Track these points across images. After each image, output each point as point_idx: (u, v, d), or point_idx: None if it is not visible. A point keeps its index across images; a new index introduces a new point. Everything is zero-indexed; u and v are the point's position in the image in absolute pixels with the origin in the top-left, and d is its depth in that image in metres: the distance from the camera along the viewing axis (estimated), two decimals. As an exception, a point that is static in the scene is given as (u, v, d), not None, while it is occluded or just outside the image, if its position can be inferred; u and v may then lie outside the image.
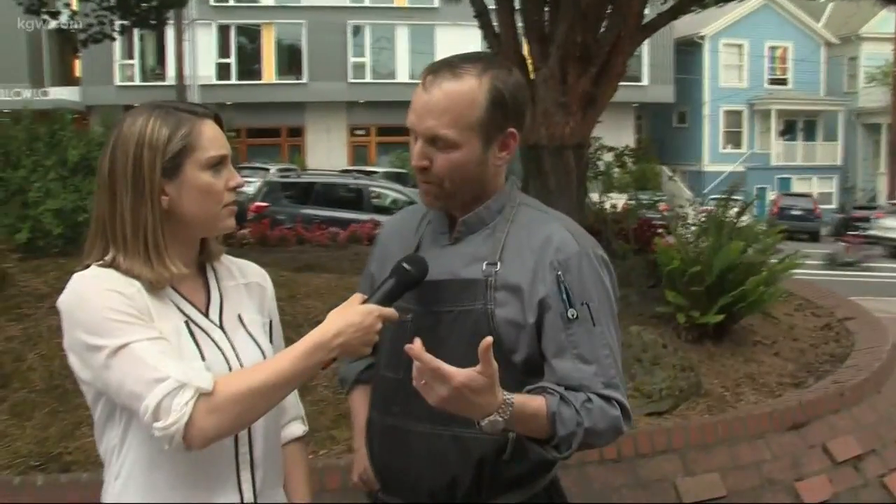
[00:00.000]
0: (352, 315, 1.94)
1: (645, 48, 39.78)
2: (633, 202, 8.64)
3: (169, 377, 1.80)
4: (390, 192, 19.64)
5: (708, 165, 43.41)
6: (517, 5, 7.91)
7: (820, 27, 45.10)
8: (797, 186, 42.01)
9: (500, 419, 1.90)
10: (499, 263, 2.16)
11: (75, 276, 1.93)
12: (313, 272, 7.60)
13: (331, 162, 34.36)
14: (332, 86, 38.54)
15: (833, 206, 41.30)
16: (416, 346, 1.88)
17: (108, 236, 1.96)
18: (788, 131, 44.92)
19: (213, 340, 2.01)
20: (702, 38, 42.94)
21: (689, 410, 5.43)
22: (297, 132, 39.37)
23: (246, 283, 2.18)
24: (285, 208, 16.07)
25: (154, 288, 1.93)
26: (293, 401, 2.32)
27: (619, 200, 9.34)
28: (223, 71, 38.38)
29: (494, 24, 8.03)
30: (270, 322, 2.22)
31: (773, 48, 44.42)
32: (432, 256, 2.20)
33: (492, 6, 8.01)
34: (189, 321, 1.98)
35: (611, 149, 9.47)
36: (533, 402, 2.00)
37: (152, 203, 1.92)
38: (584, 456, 4.41)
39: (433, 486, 2.16)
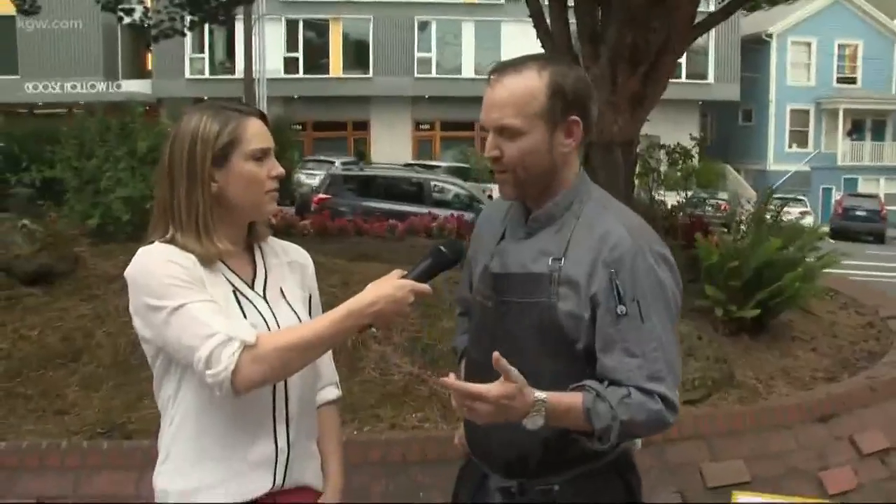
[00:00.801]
0: (387, 287, 2.20)
1: (711, 46, 39.51)
2: (682, 199, 8.81)
3: (219, 332, 2.11)
4: (451, 187, 19.78)
5: (773, 164, 42.84)
6: (570, 4, 8.10)
7: (894, 24, 44.12)
8: (864, 187, 41.21)
9: (539, 416, 2.14)
10: (563, 259, 2.31)
11: (141, 249, 2.26)
12: (368, 262, 7.86)
13: (395, 155, 34.57)
14: (397, 80, 38.75)
15: (902, 207, 40.61)
16: (451, 379, 2.14)
17: (168, 218, 2.27)
18: (856, 131, 44.03)
19: (256, 308, 2.31)
20: (769, 35, 42.32)
21: (721, 400, 5.62)
22: (362, 126, 39.64)
23: (289, 262, 2.48)
24: (347, 200, 16.30)
25: (205, 261, 2.24)
26: (329, 368, 2.60)
27: (670, 198, 9.49)
28: (291, 65, 38.71)
29: (549, 23, 8.23)
30: (310, 297, 2.51)
31: (842, 46, 43.57)
32: (510, 247, 2.42)
33: (546, 4, 8.21)
34: (236, 291, 2.29)
35: (662, 146, 9.64)
36: (567, 398, 2.19)
37: (203, 189, 2.23)
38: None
39: (507, 459, 2.40)
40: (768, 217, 7.29)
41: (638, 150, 8.45)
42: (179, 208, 2.24)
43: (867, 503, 5.17)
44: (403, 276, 2.24)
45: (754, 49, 42.42)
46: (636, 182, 9.48)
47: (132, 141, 7.70)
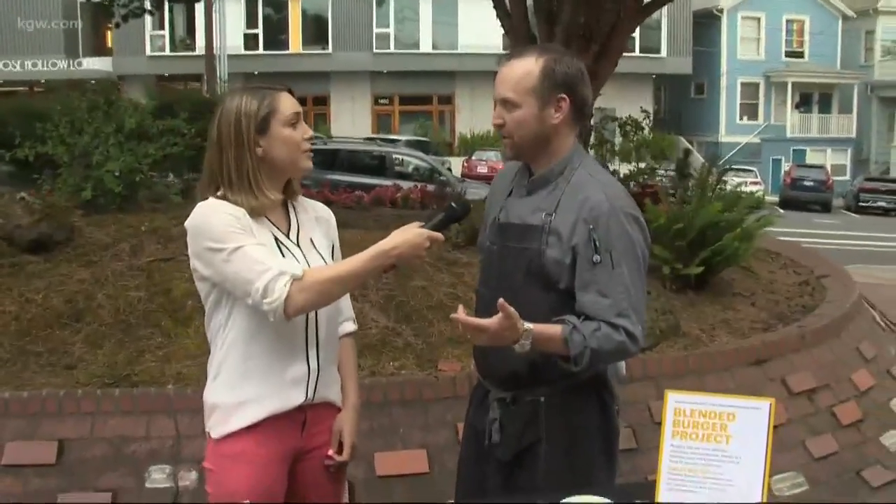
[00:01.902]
0: (408, 234, 2.73)
1: (664, 20, 40.09)
2: (633, 169, 9.41)
3: (272, 268, 2.64)
4: (413, 160, 20.28)
5: (725, 136, 43.71)
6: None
7: (837, 1, 45.07)
8: (812, 158, 42.25)
9: (526, 342, 2.70)
10: (554, 215, 2.84)
11: (200, 204, 2.79)
12: (340, 229, 8.36)
13: (355, 130, 34.90)
14: (356, 56, 39.02)
15: (847, 177, 41.51)
16: (460, 314, 2.71)
17: (218, 180, 2.80)
18: (804, 103, 45.04)
19: (292, 254, 2.84)
20: (720, 10, 43.20)
21: (668, 348, 6.20)
22: (322, 101, 39.82)
23: (316, 217, 3.03)
24: (312, 174, 16.67)
25: (254, 214, 2.76)
26: (347, 306, 3.15)
27: (625, 168, 10.08)
28: (251, 41, 38.89)
29: (507, 2, 8.74)
30: (333, 246, 3.05)
31: (790, 21, 44.51)
32: (514, 202, 2.99)
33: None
34: (277, 239, 2.82)
35: (615, 119, 10.22)
36: (549, 329, 2.74)
37: (250, 153, 2.76)
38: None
39: (502, 376, 2.96)
40: (711, 183, 7.91)
41: (592, 122, 9.01)
42: (230, 171, 2.77)
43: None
44: (421, 227, 2.76)
45: (706, 24, 43.19)
46: (591, 153, 10.07)
47: (119, 118, 8.17)
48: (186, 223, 2.79)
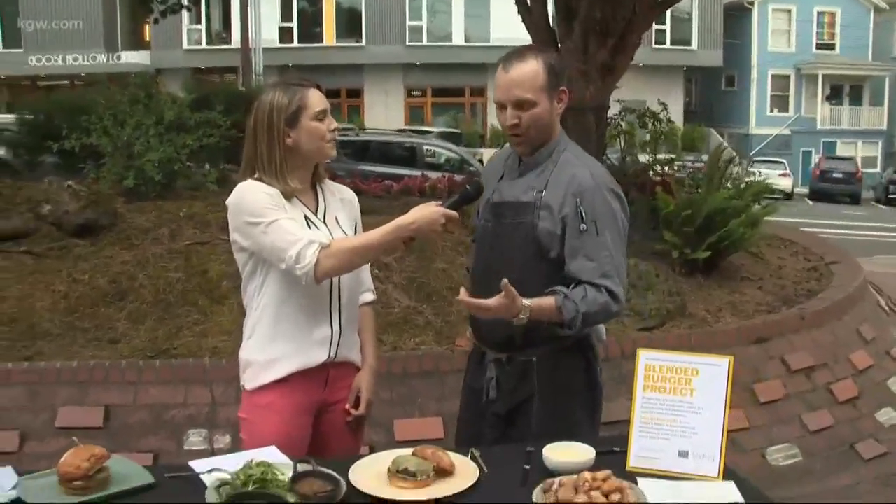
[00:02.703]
0: (425, 211, 3.08)
1: (695, 13, 40.13)
2: (651, 159, 9.74)
3: (303, 238, 3.03)
4: (444, 151, 20.50)
5: (755, 128, 43.56)
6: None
7: (869, -8, 44.98)
8: (842, 150, 42.00)
9: (524, 317, 3.07)
10: (544, 191, 3.20)
11: (239, 185, 3.16)
12: (368, 216, 8.76)
13: (388, 122, 35.13)
14: (389, 48, 39.18)
15: (877, 169, 41.29)
16: (462, 295, 3.09)
17: (254, 165, 3.19)
18: (835, 96, 44.70)
19: (318, 229, 3.20)
20: (751, 2, 42.92)
21: (674, 328, 6.56)
22: (356, 93, 39.99)
23: (341, 199, 3.41)
24: (344, 164, 16.91)
25: (285, 195, 3.14)
26: (368, 277, 3.55)
27: (642, 157, 10.39)
28: (285, 34, 39.06)
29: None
30: (356, 224, 3.42)
31: (821, 13, 44.08)
32: (506, 184, 3.37)
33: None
34: (306, 216, 3.20)
35: (633, 111, 10.54)
36: (544, 301, 3.11)
37: (280, 144, 3.14)
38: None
39: (499, 337, 3.33)
40: (720, 170, 8.25)
41: (610, 114, 9.36)
42: (263, 158, 3.16)
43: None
44: (438, 205, 3.11)
45: (736, 16, 43.01)
46: (610, 143, 10.42)
47: (159, 111, 8.63)
48: (228, 201, 3.18)
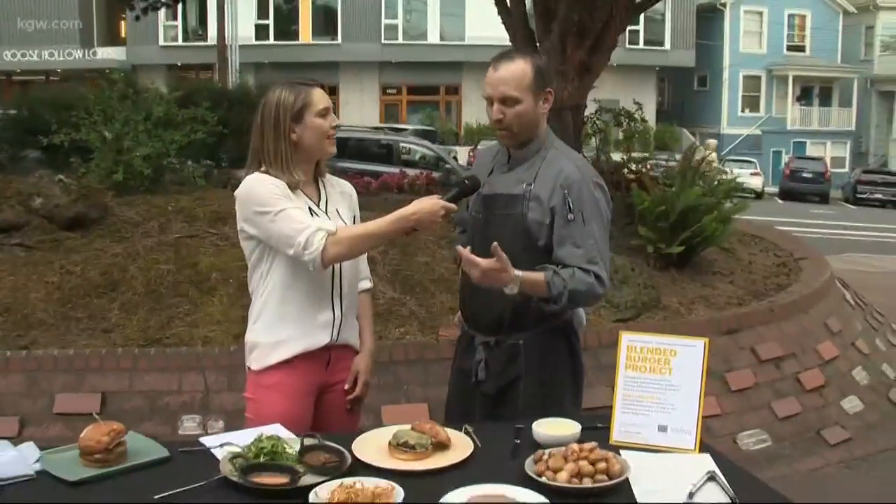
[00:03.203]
0: (425, 203, 3.28)
1: (668, 14, 40.55)
2: (625, 158, 10.00)
3: (311, 225, 3.21)
4: (419, 149, 20.68)
5: (726, 128, 44.16)
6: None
7: (839, -4, 45.67)
8: (812, 150, 42.65)
9: (515, 286, 3.28)
10: (533, 184, 3.42)
11: (247, 177, 3.35)
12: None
13: (363, 119, 35.25)
14: (365, 46, 39.37)
15: (846, 170, 41.95)
16: (460, 249, 3.29)
17: (260, 159, 3.37)
18: (805, 97, 45.39)
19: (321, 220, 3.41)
20: (723, 4, 43.54)
21: (649, 319, 6.81)
22: (331, 91, 39.54)
23: (340, 192, 3.60)
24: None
25: (290, 187, 3.33)
26: (365, 266, 3.75)
27: (615, 156, 10.65)
28: (261, 31, 39.19)
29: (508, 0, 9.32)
30: (355, 216, 3.61)
31: (791, 16, 44.84)
32: (496, 178, 3.59)
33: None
34: (310, 207, 3.38)
35: (609, 110, 10.82)
36: (534, 275, 3.32)
37: (286, 139, 3.33)
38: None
39: (487, 321, 3.55)
40: (693, 168, 8.53)
41: (586, 113, 9.61)
42: (269, 152, 3.35)
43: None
44: (438, 198, 3.31)
45: (709, 17, 43.61)
46: (585, 141, 10.66)
47: (147, 107, 8.80)
48: (236, 192, 3.38)
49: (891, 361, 7.71)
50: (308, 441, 2.83)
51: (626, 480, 2.67)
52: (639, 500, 2.58)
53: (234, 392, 5.45)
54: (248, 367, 3.52)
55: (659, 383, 3.10)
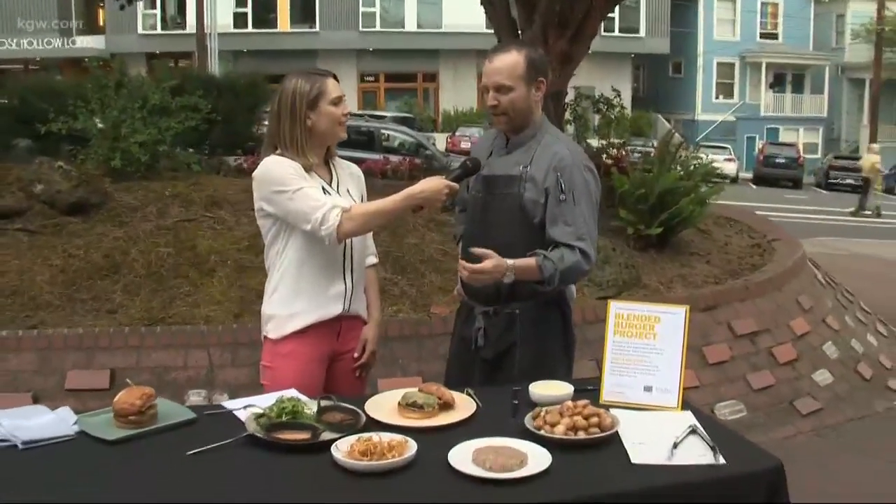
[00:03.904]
0: (431, 182, 3.57)
1: (643, 1, 40.87)
2: (604, 143, 10.33)
3: (326, 203, 3.48)
4: (399, 135, 20.91)
5: (701, 114, 44.79)
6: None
7: (811, -16, 46.08)
8: (785, 136, 43.23)
9: (511, 275, 3.59)
10: (529, 166, 3.68)
11: (265, 159, 3.61)
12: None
13: (341, 107, 35.40)
14: (343, 34, 39.59)
15: (818, 155, 42.58)
16: (463, 264, 3.59)
17: (276, 142, 3.64)
18: (778, 83, 46.00)
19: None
20: (697, -9, 44.20)
21: (630, 296, 7.08)
22: None
23: (350, 173, 3.87)
24: None
25: (304, 169, 3.59)
26: (372, 243, 4.03)
27: (594, 142, 10.97)
28: (240, 20, 39.31)
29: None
30: (362, 195, 3.88)
31: (764, 4, 45.53)
32: (495, 160, 3.87)
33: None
34: (323, 187, 3.64)
35: (588, 97, 11.11)
36: (526, 261, 3.61)
37: (301, 124, 3.59)
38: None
39: (486, 292, 3.81)
40: (671, 153, 8.85)
41: (567, 100, 9.90)
42: (285, 136, 3.61)
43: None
44: (443, 178, 3.59)
45: (683, 5, 43.99)
46: (569, 128, 10.97)
47: (143, 95, 9.03)
48: (254, 173, 3.64)
49: (859, 337, 8.04)
50: (325, 402, 3.07)
51: (617, 434, 2.94)
52: (628, 451, 2.85)
53: (237, 367, 5.72)
54: (265, 337, 3.77)
55: (644, 347, 3.38)
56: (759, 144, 41.64)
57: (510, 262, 3.57)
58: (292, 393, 3.27)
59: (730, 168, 34.75)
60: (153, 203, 7.94)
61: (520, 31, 9.21)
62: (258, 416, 2.97)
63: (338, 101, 3.65)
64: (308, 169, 3.62)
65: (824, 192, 35.54)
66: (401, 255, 7.31)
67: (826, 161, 38.74)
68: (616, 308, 3.46)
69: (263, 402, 3.14)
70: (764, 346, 6.99)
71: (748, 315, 7.10)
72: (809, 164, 39.08)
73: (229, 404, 3.27)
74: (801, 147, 40.27)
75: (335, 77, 3.72)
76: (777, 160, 37.32)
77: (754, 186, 36.03)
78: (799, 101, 46.01)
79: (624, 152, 10.11)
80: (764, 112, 45.13)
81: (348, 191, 3.78)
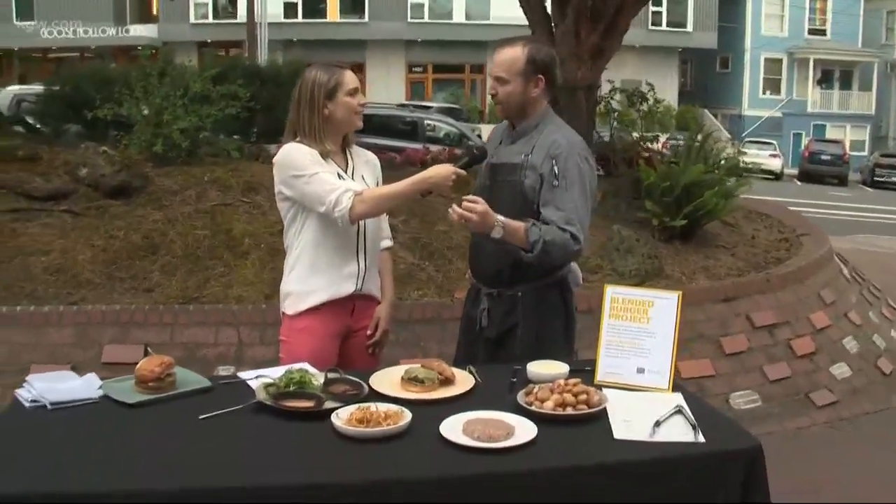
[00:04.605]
0: (439, 168, 3.76)
1: (691, -5, 40.77)
2: (636, 136, 10.46)
3: (340, 186, 3.70)
4: (443, 125, 21.11)
5: (748, 110, 44.54)
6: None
7: (861, -20, 45.55)
8: (832, 133, 42.87)
9: (500, 228, 3.72)
10: (530, 155, 3.85)
11: (284, 146, 3.84)
12: (374, 185, 9.48)
13: (389, 97, 35.47)
14: (391, 25, 39.80)
15: (865, 153, 42.13)
16: (454, 207, 3.72)
17: (296, 130, 3.86)
18: (825, 80, 45.57)
19: None
20: (745, -14, 43.86)
21: (652, 287, 7.23)
22: (358, 68, 39.96)
23: (366, 160, 4.09)
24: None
25: (322, 155, 3.81)
26: (386, 226, 4.24)
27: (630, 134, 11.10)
28: (290, 10, 39.59)
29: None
30: (378, 181, 4.08)
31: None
32: (502, 149, 4.06)
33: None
34: (339, 173, 3.85)
35: (622, 90, 11.24)
36: (515, 223, 3.76)
37: (319, 113, 3.82)
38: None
39: (489, 273, 4.04)
40: (697, 146, 8.99)
41: (600, 93, 10.05)
42: (304, 124, 3.83)
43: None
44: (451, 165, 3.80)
45: (731, 0, 43.70)
46: (604, 121, 11.12)
47: (184, 83, 9.33)
48: (275, 159, 3.87)
49: (882, 333, 8.12)
50: (331, 375, 3.27)
51: (604, 411, 3.10)
52: (613, 427, 3.01)
53: (265, 345, 5.96)
54: (283, 313, 4.01)
55: (638, 331, 3.53)
56: (805, 141, 41.28)
57: (499, 217, 3.71)
58: (301, 365, 3.45)
59: (775, 164, 34.61)
60: (192, 187, 8.21)
61: (553, 25, 9.36)
62: (267, 386, 3.17)
63: (354, 92, 3.86)
64: (325, 155, 3.83)
65: (870, 189, 35.21)
66: (429, 242, 7.52)
67: (872, 158, 38.34)
68: (612, 292, 3.63)
69: (274, 373, 3.35)
70: (782, 339, 7.09)
71: (768, 307, 7.21)
72: (855, 162, 38.72)
73: (243, 374, 3.49)
74: (847, 144, 39.94)
75: (352, 69, 3.93)
76: (822, 157, 37.07)
77: (799, 183, 35.78)
78: (846, 97, 45.54)
79: (660, 145, 10.22)
80: (811, 108, 44.69)
81: (363, 177, 3.98)
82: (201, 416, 2.97)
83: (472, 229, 3.83)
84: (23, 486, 2.44)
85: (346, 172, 3.92)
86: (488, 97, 38.99)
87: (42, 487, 2.44)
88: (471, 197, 3.72)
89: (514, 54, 3.90)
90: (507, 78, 3.89)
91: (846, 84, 46.03)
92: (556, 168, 3.84)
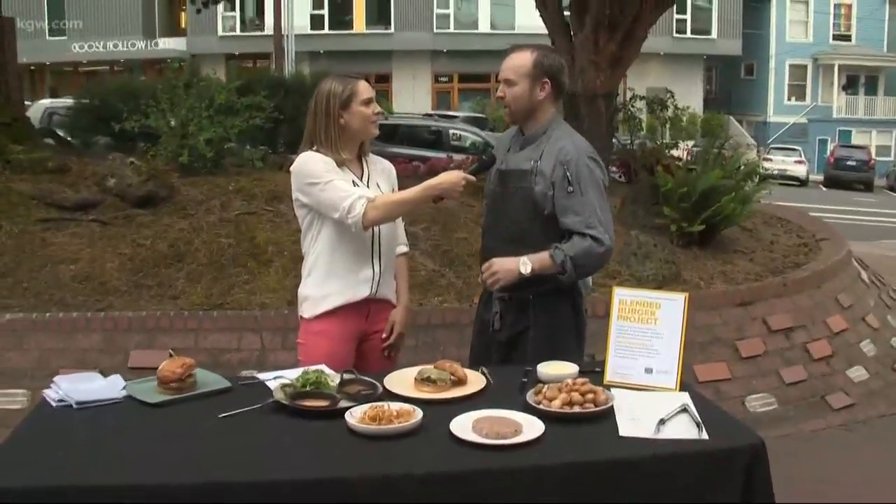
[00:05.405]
0: (450, 175, 3.86)
1: (715, 3, 40.54)
2: (656, 143, 10.54)
3: (354, 193, 3.81)
4: (469, 135, 21.11)
5: (773, 116, 44.32)
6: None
7: (885, -15, 45.15)
8: (857, 139, 42.54)
9: (526, 265, 3.86)
10: (539, 161, 3.91)
11: (301, 154, 3.95)
12: (397, 193, 9.62)
13: (416, 107, 35.65)
14: (417, 35, 39.93)
15: (891, 158, 41.68)
16: (482, 280, 3.93)
17: (312, 139, 3.97)
18: (851, 86, 45.16)
19: None
20: (769, -7, 43.67)
21: (668, 291, 7.31)
22: (384, 79, 40.43)
23: (381, 169, 4.20)
24: (373, 146, 17.49)
25: (337, 164, 3.92)
26: (402, 233, 4.34)
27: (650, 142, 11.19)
28: (317, 21, 39.78)
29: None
30: (393, 189, 4.18)
31: (837, 5, 44.76)
32: (511, 156, 4.14)
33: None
34: (354, 180, 3.97)
35: (642, 97, 11.32)
36: (541, 255, 3.88)
37: (335, 123, 3.93)
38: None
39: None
40: (715, 152, 9.06)
41: (620, 100, 10.15)
42: (320, 134, 3.94)
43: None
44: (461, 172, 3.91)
45: (755, 6, 43.49)
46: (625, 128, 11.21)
47: (209, 95, 9.51)
48: (292, 167, 3.98)
49: (901, 336, 8.13)
50: (347, 375, 3.39)
51: (611, 409, 3.18)
52: (619, 425, 3.09)
53: (287, 351, 6.07)
54: (301, 316, 4.12)
55: (646, 332, 3.60)
56: (830, 147, 41.01)
57: (523, 258, 3.86)
58: (318, 366, 3.56)
59: (800, 170, 34.52)
60: (217, 197, 8.37)
61: (572, 34, 9.46)
62: (285, 386, 3.28)
63: (368, 102, 3.97)
64: (340, 164, 3.94)
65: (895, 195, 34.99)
66: (449, 249, 7.63)
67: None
68: (620, 294, 3.70)
69: (292, 374, 3.46)
70: (799, 342, 7.13)
71: (784, 311, 7.25)
72: (882, 167, 38.44)
73: (262, 375, 3.60)
74: (873, 150, 39.67)
75: (367, 80, 4.05)
76: (848, 163, 36.86)
77: (824, 189, 35.62)
78: (872, 103, 45.12)
79: (682, 151, 10.30)
80: (836, 114, 44.36)
81: (378, 184, 4.08)
82: (221, 415, 3.09)
83: (506, 283, 3.94)
84: (50, 480, 2.56)
85: (361, 180, 4.02)
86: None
87: (68, 481, 2.56)
88: (483, 267, 3.90)
89: (523, 58, 4.00)
90: (515, 80, 3.99)
91: (871, 89, 45.62)
92: (568, 174, 3.92)
